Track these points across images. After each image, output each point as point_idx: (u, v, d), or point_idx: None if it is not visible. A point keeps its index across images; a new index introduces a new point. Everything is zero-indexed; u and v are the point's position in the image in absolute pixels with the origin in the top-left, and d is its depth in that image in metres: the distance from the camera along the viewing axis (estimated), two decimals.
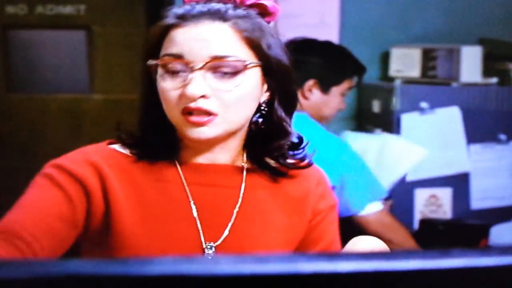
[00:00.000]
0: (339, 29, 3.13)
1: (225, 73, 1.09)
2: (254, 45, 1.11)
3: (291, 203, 1.23)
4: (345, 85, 2.33)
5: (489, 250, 0.57)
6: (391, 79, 2.89)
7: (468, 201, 2.74)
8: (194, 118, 1.09)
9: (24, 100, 3.67)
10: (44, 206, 1.07)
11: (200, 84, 1.07)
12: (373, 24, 3.09)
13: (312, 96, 2.29)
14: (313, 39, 2.41)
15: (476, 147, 2.73)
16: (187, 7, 1.12)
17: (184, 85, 1.08)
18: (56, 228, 1.06)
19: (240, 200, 1.19)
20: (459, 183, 2.73)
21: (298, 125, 2.21)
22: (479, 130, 2.72)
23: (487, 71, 2.79)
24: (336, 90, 2.31)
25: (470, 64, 2.73)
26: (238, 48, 1.10)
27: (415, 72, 2.85)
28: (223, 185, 1.19)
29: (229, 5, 1.12)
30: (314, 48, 2.34)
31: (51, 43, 3.68)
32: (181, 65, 1.09)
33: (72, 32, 3.67)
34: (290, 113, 1.21)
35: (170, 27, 1.10)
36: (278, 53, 1.14)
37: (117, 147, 1.17)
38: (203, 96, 1.08)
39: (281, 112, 1.18)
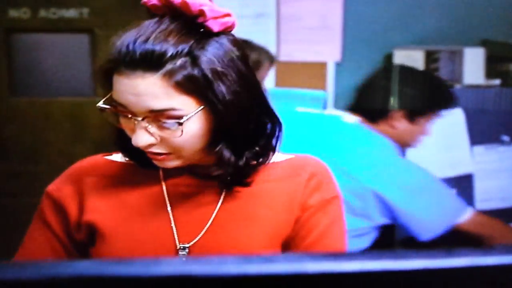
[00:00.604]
0: (342, 31, 3.13)
1: (167, 122, 1.06)
2: (190, 89, 1.05)
3: (278, 199, 1.20)
4: (433, 115, 2.32)
5: (492, 249, 0.57)
6: None
7: (471, 202, 2.73)
8: (151, 156, 1.13)
9: (27, 104, 3.67)
10: (32, 241, 1.26)
11: (143, 137, 1.08)
12: (375, 26, 3.10)
13: (399, 125, 2.27)
14: (409, 68, 2.41)
15: (479, 149, 2.72)
16: (124, 42, 1.06)
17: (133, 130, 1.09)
18: (40, 250, 1.24)
19: (221, 199, 1.19)
20: (462, 185, 2.73)
21: (375, 147, 2.21)
22: (482, 131, 2.72)
23: (489, 73, 2.79)
24: (423, 120, 2.30)
25: (473, 65, 2.73)
26: (174, 100, 1.05)
27: None
28: (204, 185, 1.20)
29: (170, 42, 1.05)
30: (408, 78, 2.31)
31: (54, 46, 3.69)
32: (127, 113, 1.09)
33: (75, 36, 3.67)
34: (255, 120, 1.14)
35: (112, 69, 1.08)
36: (222, 89, 1.07)
37: (112, 157, 1.28)
38: (149, 145, 1.09)
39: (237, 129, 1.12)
